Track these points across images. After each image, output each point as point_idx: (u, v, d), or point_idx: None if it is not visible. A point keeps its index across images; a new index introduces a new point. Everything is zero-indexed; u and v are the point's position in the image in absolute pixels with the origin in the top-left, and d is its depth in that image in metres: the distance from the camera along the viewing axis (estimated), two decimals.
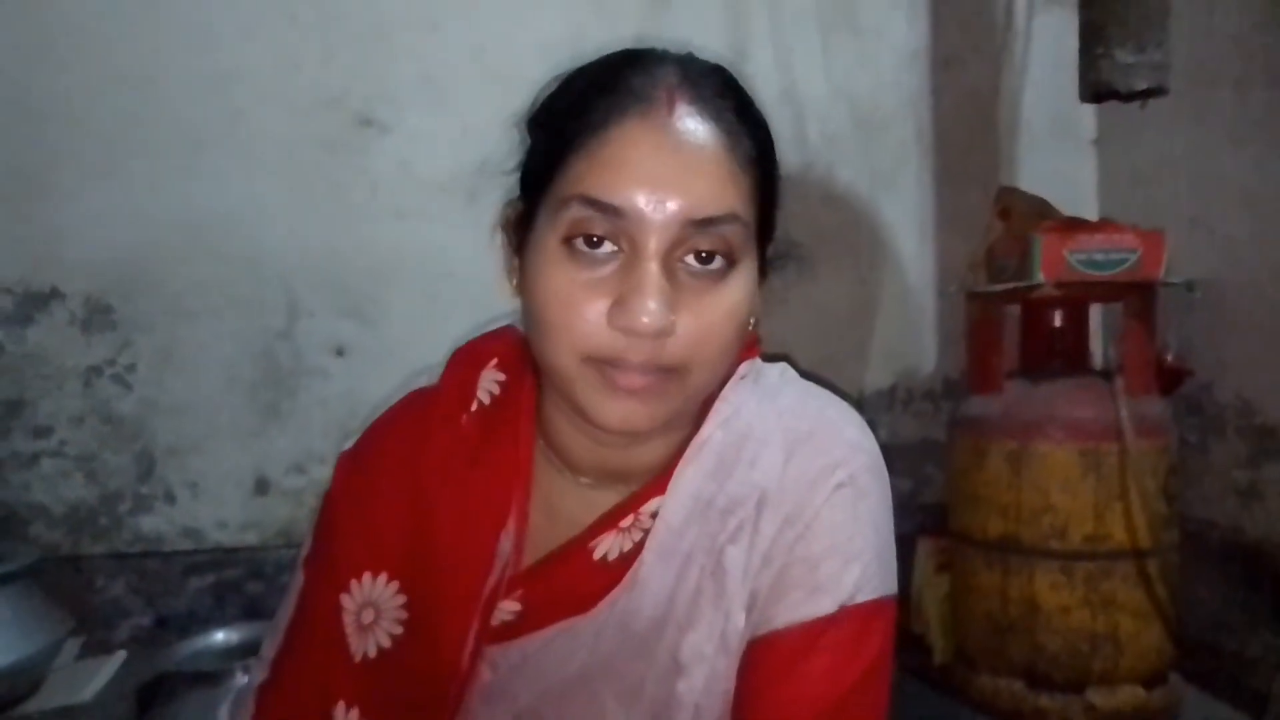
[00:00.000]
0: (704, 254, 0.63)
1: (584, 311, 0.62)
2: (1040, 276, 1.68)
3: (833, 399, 0.76)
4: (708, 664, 0.69)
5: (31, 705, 1.52)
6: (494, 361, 0.77)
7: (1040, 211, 1.81)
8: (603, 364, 0.63)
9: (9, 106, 1.77)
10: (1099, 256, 1.68)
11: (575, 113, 0.65)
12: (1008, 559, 1.72)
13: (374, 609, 0.73)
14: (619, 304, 0.61)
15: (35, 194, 1.79)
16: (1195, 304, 1.76)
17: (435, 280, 1.88)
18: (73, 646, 1.65)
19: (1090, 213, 2.06)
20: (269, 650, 0.77)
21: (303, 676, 0.74)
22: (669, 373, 0.63)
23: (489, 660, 0.73)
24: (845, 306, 2.11)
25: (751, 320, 0.69)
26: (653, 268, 0.61)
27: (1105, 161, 2.17)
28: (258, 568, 1.84)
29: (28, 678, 1.51)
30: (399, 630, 0.73)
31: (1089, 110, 2.11)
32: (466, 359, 0.79)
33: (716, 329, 0.64)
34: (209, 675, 1.50)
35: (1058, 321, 1.82)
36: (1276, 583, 1.69)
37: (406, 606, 0.73)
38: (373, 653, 0.73)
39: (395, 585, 0.74)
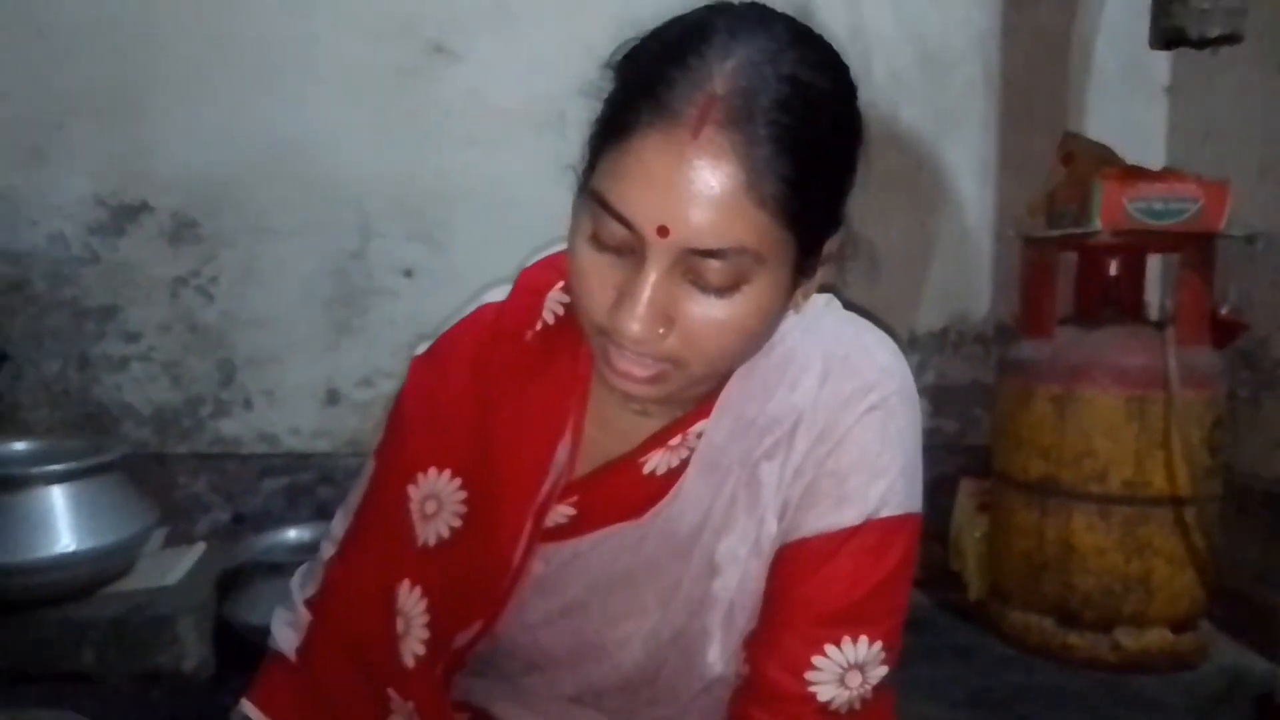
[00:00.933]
0: (707, 279, 0.63)
1: (595, 293, 0.65)
2: (1098, 223, 1.68)
3: (870, 327, 0.79)
4: (741, 565, 0.75)
5: (125, 584, 1.66)
6: (560, 284, 0.81)
7: (1104, 158, 1.80)
8: (609, 343, 0.66)
9: (101, 27, 1.86)
10: (1159, 205, 1.68)
11: (617, 101, 0.64)
12: (1046, 499, 1.76)
13: (436, 500, 0.79)
14: (616, 303, 0.63)
15: (126, 112, 1.89)
16: (1258, 258, 1.74)
17: (501, 207, 1.94)
18: (159, 536, 1.79)
19: (1157, 162, 2.03)
20: (338, 529, 0.83)
21: (370, 555, 0.80)
22: (669, 364, 0.65)
23: (543, 556, 0.79)
24: (902, 247, 2.12)
25: (799, 301, 0.71)
26: (649, 280, 0.62)
27: (1177, 110, 2.12)
28: (328, 473, 1.96)
29: (121, 560, 1.65)
30: (458, 523, 0.79)
31: (1163, 57, 2.05)
32: (536, 279, 0.82)
33: (715, 339, 0.65)
34: (281, 566, 1.63)
35: (1114, 270, 1.82)
36: None
37: (466, 502, 0.79)
38: (433, 541, 0.78)
39: (458, 481, 0.79)
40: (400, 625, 0.79)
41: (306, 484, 1.96)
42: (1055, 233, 1.78)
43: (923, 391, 0.80)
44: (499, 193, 1.96)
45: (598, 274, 0.65)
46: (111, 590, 1.64)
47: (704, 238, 0.61)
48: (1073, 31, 2.11)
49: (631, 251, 0.63)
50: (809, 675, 0.72)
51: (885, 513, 0.73)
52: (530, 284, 0.82)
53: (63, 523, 1.56)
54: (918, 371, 2.15)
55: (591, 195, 0.64)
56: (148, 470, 1.84)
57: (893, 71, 2.08)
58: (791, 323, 0.76)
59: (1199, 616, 1.74)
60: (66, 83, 1.87)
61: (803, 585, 0.73)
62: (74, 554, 1.55)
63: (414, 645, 0.79)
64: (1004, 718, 1.60)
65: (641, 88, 0.63)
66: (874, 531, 0.73)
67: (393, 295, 2.00)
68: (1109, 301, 1.82)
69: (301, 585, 0.85)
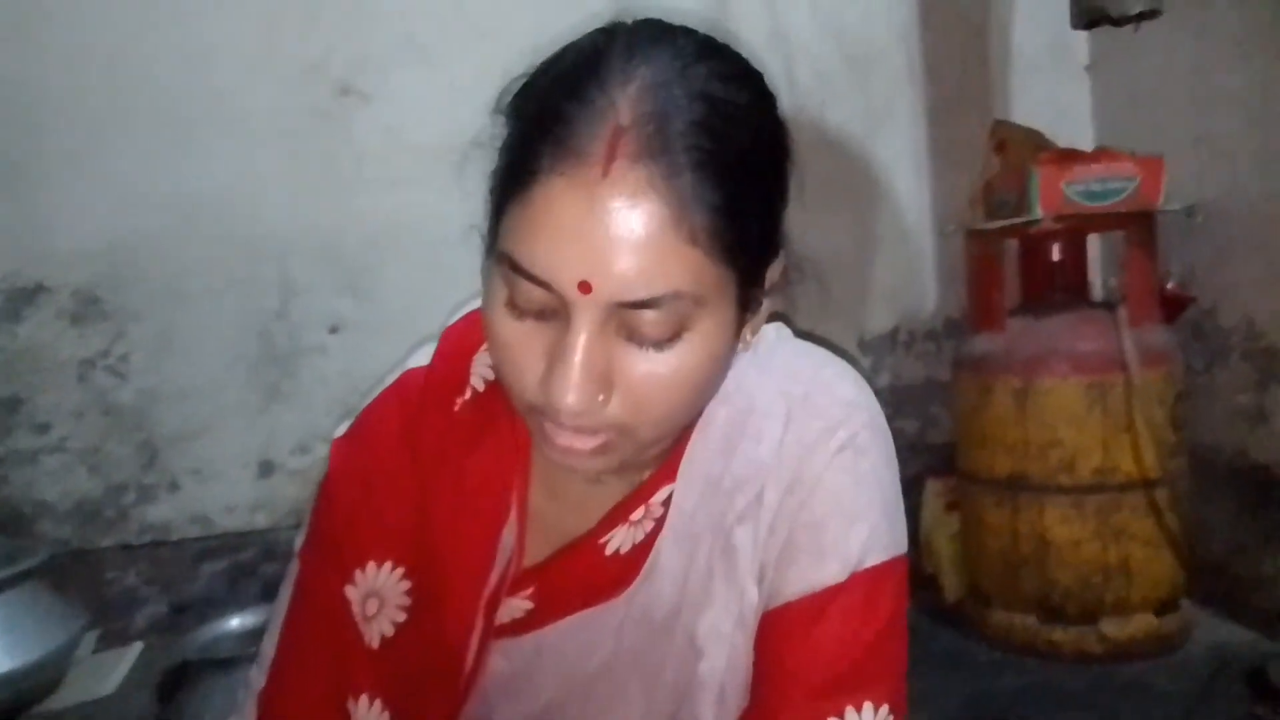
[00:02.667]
0: (643, 333, 0.56)
1: (521, 367, 0.58)
2: (1039, 211, 1.66)
3: (828, 357, 0.73)
4: (727, 642, 0.68)
5: (55, 702, 1.53)
6: (486, 346, 0.72)
7: (1036, 143, 1.78)
8: (542, 416, 0.59)
9: None
10: (1097, 187, 1.66)
11: (514, 149, 0.58)
12: (1017, 496, 1.73)
13: (378, 599, 0.71)
14: (547, 373, 0.57)
15: (15, 186, 1.76)
16: (1196, 229, 1.73)
17: (432, 249, 1.84)
18: (90, 641, 1.66)
19: (1086, 141, 2.02)
20: (268, 651, 0.74)
21: (312, 673, 0.72)
22: (614, 433, 0.59)
23: (503, 652, 0.71)
24: (844, 250, 2.08)
25: (747, 338, 0.65)
26: (579, 344, 0.55)
27: (1100, 87, 2.12)
28: (270, 549, 1.84)
29: (49, 675, 1.52)
30: (402, 617, 0.71)
31: (1082, 36, 2.05)
32: (459, 342, 0.74)
33: (661, 398, 0.58)
34: (228, 662, 1.51)
35: (1056, 255, 1.80)
36: None
37: (410, 593, 0.71)
38: (377, 642, 0.71)
39: (400, 571, 0.71)
40: None
41: (248, 564, 1.84)
42: (997, 224, 1.75)
43: (879, 393, 0.74)
44: (426, 233, 1.86)
45: (521, 345, 0.58)
46: (42, 709, 1.51)
47: (633, 288, 0.54)
48: (991, 17, 2.09)
49: (555, 314, 0.56)
50: None
51: (870, 561, 0.66)
52: (453, 348, 0.74)
53: None
54: (872, 373, 2.11)
55: (500, 259, 0.57)
56: (72, 570, 1.71)
57: (817, 72, 2.04)
58: (745, 362, 0.69)
59: (1179, 597, 1.73)
60: None
61: (792, 655, 0.66)
62: None
63: None
64: None
65: (538, 129, 0.56)
66: (860, 585, 0.66)
67: (321, 353, 1.89)
68: (1055, 288, 1.80)
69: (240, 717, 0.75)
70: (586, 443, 0.59)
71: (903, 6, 2.07)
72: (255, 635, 1.60)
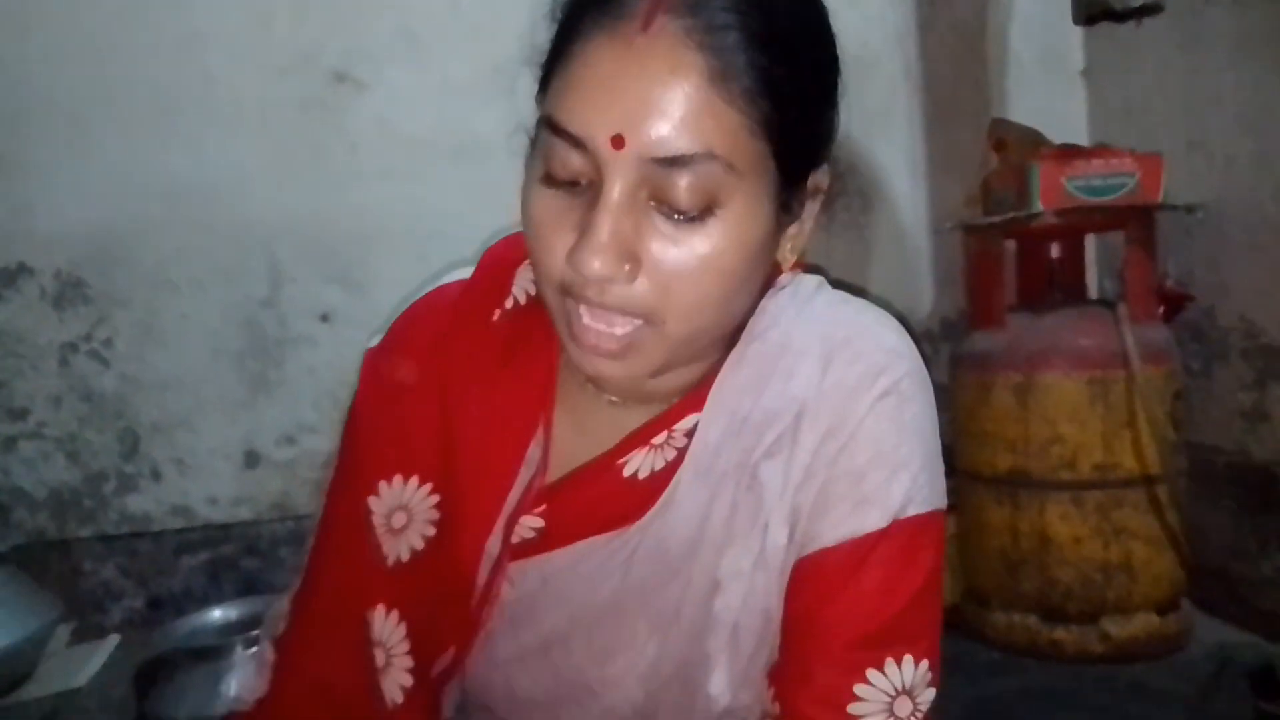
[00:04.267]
0: (674, 198, 0.55)
1: (552, 243, 0.58)
2: (1039, 205, 1.66)
3: (869, 305, 0.71)
4: (745, 580, 0.66)
5: (25, 693, 1.46)
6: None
7: (1035, 141, 1.78)
8: (573, 302, 0.58)
9: None
10: (1097, 182, 1.66)
11: (564, 15, 0.59)
12: (1017, 493, 1.71)
13: (405, 512, 0.69)
14: (576, 243, 0.56)
15: (1, 167, 1.71)
16: (1195, 228, 1.74)
17: (423, 240, 1.82)
18: (64, 633, 1.60)
19: (1082, 144, 2.03)
20: (304, 559, 0.74)
21: (335, 582, 0.71)
22: (641, 323, 0.58)
23: (508, 577, 0.69)
24: (840, 251, 2.07)
25: (788, 254, 0.65)
26: (610, 205, 0.55)
27: (1095, 91, 2.13)
28: (252, 543, 1.78)
29: (18, 665, 1.46)
30: (431, 532, 0.69)
31: (1077, 41, 2.08)
32: (504, 253, 0.73)
33: (690, 280, 0.57)
34: (208, 651, 1.46)
35: (1055, 253, 1.80)
36: None
37: (439, 507, 0.70)
38: (405, 556, 0.69)
39: (428, 487, 0.69)
40: (380, 658, 0.68)
41: (229, 557, 1.78)
42: (998, 219, 1.75)
43: None
44: (418, 225, 1.84)
45: (553, 217, 0.57)
46: (11, 700, 1.44)
47: (666, 143, 0.53)
48: (987, 22, 2.11)
49: (590, 185, 0.56)
50: (853, 708, 0.63)
51: (911, 511, 0.64)
52: (497, 259, 0.73)
53: None
54: None
55: (542, 123, 0.57)
56: (47, 560, 1.66)
57: None
58: (782, 304, 0.68)
59: (1180, 597, 1.71)
60: None
61: (830, 605, 0.64)
62: None
63: (399, 677, 0.69)
64: None
65: None
66: (902, 534, 0.64)
67: (311, 343, 1.85)
68: (1054, 285, 1.80)
69: (271, 625, 0.73)
70: (614, 329, 0.57)
71: (899, 11, 2.08)
72: (238, 627, 1.56)
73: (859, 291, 0.74)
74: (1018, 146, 1.78)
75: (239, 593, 1.73)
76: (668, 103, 0.53)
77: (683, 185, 0.55)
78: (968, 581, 1.84)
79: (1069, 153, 1.71)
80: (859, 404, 0.65)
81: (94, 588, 1.73)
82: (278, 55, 1.82)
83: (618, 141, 0.53)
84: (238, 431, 1.81)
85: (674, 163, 0.54)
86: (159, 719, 1.44)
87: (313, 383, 1.83)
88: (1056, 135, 1.83)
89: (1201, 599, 1.77)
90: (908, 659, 0.64)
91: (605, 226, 0.54)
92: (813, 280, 0.72)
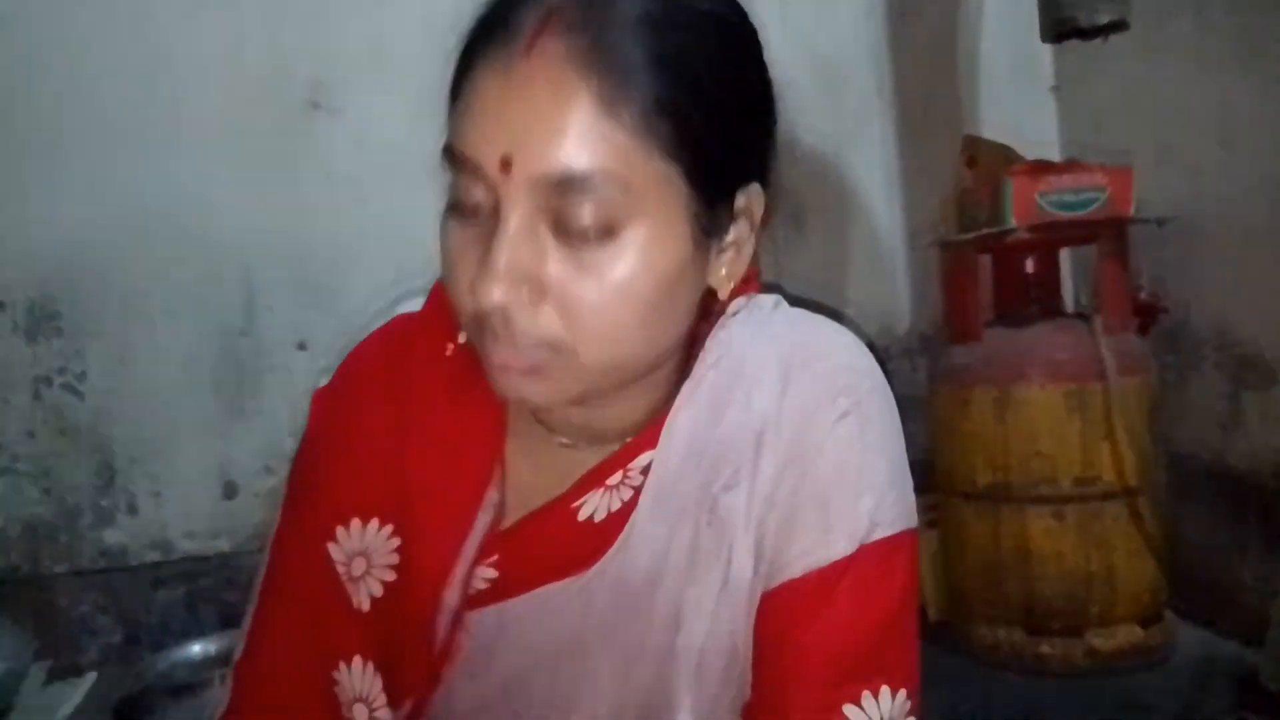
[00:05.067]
0: (572, 221, 0.54)
1: (459, 275, 0.57)
2: (1013, 221, 1.67)
3: (827, 323, 0.70)
4: (708, 615, 0.65)
5: None
6: None
7: (1006, 157, 1.79)
8: (482, 331, 0.57)
9: None
10: (1069, 197, 1.67)
11: (462, 45, 0.58)
12: (998, 507, 1.71)
13: (365, 558, 0.67)
14: (476, 272, 0.55)
15: None
16: (1167, 238, 1.75)
17: (401, 264, 1.80)
18: (39, 671, 1.57)
19: (1053, 156, 2.04)
20: (247, 620, 0.70)
21: (293, 639, 0.67)
22: (550, 350, 0.56)
23: (465, 627, 0.67)
24: (815, 267, 2.07)
25: (724, 280, 0.62)
26: (505, 236, 0.53)
27: (1065, 104, 2.16)
28: (232, 575, 1.75)
29: None
30: (391, 577, 0.67)
31: (1047, 55, 2.10)
32: None
33: (597, 307, 0.55)
34: (187, 687, 1.44)
35: (1030, 266, 1.81)
36: (1263, 510, 1.70)
37: (399, 550, 0.67)
38: (366, 605, 0.67)
39: (389, 529, 0.67)
40: (362, 714, 0.66)
41: (208, 590, 1.76)
42: (972, 235, 1.76)
43: None
44: (395, 247, 1.82)
45: (460, 250, 0.57)
46: None
47: (553, 164, 0.52)
48: (959, 37, 2.12)
49: (491, 213, 0.55)
50: None
51: (878, 534, 0.63)
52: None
53: None
54: None
55: (442, 154, 0.57)
56: (20, 597, 1.63)
57: (787, 91, 2.04)
58: (737, 325, 0.67)
59: (1163, 607, 1.71)
60: None
61: (800, 637, 0.63)
62: None
63: None
64: None
65: (479, 24, 0.57)
66: (870, 558, 0.63)
67: (286, 371, 1.83)
68: (1030, 299, 1.81)
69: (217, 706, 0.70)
70: (521, 358, 0.56)
71: (871, 27, 2.10)
72: (216, 661, 1.54)
73: (817, 306, 0.73)
74: (990, 162, 1.79)
75: (218, 626, 1.70)
76: (553, 124, 0.52)
77: (579, 207, 0.53)
78: (951, 595, 1.84)
79: (1041, 168, 1.72)
80: (819, 427, 0.63)
81: (70, 624, 1.70)
82: (249, 77, 1.81)
83: (505, 164, 0.53)
84: (215, 462, 1.79)
85: (565, 185, 0.53)
86: None
87: (290, 411, 1.79)
88: (1029, 148, 1.84)
89: (1184, 608, 1.78)
90: (884, 691, 0.62)
91: (502, 254, 0.53)
92: (769, 299, 0.70)
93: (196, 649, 1.60)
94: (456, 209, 0.57)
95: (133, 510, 1.75)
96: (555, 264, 0.54)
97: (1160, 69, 1.84)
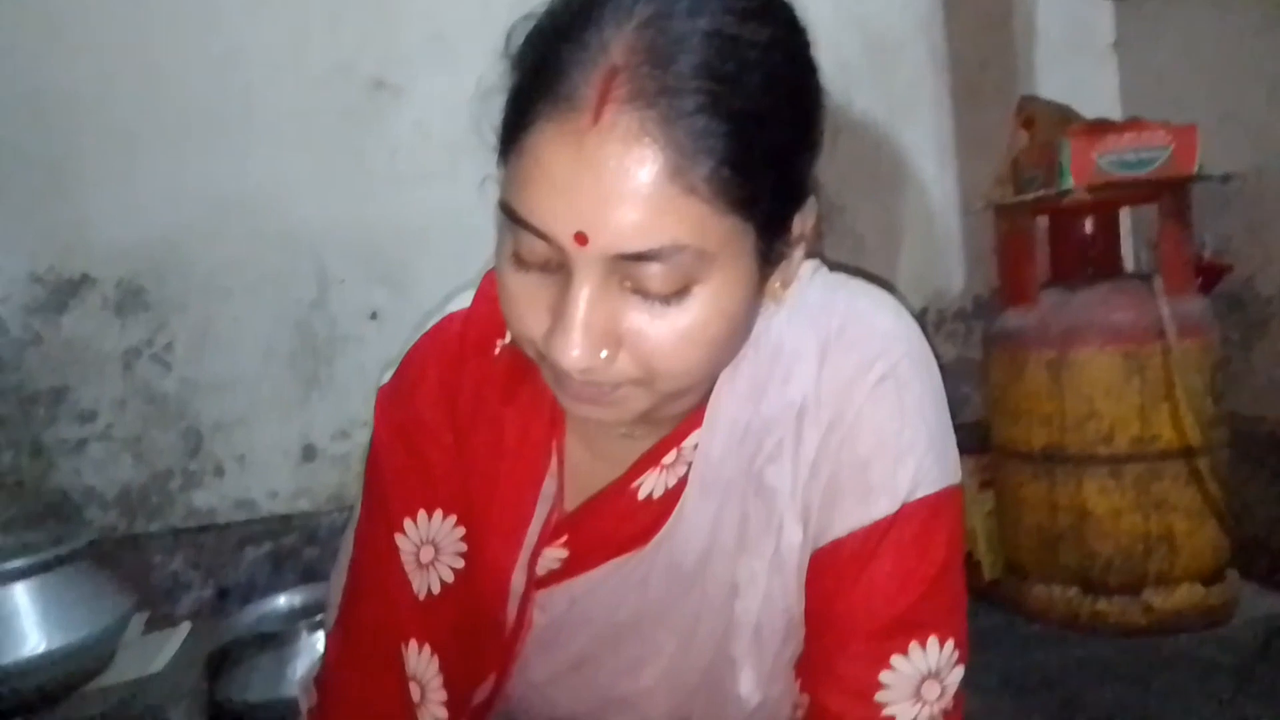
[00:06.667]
0: (647, 286, 0.54)
1: (528, 321, 0.57)
2: (1070, 182, 1.66)
3: (864, 287, 0.70)
4: (762, 583, 0.68)
5: (105, 679, 1.54)
6: None
7: (1065, 117, 1.78)
8: (554, 372, 0.57)
9: (23, 100, 1.77)
10: (1130, 156, 1.66)
11: (514, 97, 0.55)
12: (1054, 469, 1.72)
13: (433, 546, 0.71)
14: (550, 329, 0.55)
15: (58, 184, 1.79)
16: (1232, 198, 1.73)
17: (463, 239, 1.85)
18: (137, 623, 1.67)
19: (1114, 119, 2.02)
20: (335, 596, 0.76)
21: (368, 618, 0.73)
22: (625, 386, 0.57)
23: (538, 604, 0.72)
24: (870, 234, 2.08)
25: (779, 290, 0.63)
26: (580, 298, 0.53)
27: (1126, 65, 2.12)
28: (311, 533, 1.86)
29: (99, 654, 1.53)
30: (460, 564, 0.71)
31: (1106, 14, 2.07)
32: None
33: (673, 354, 0.55)
34: (275, 636, 1.53)
35: (1089, 228, 1.80)
36: None
37: (466, 539, 0.71)
38: (436, 589, 0.71)
39: (453, 519, 0.71)
40: (415, 692, 0.71)
41: (290, 547, 1.86)
42: (1028, 197, 1.75)
43: None
44: (458, 225, 1.88)
45: (527, 298, 0.56)
46: (92, 687, 1.52)
47: (629, 240, 0.51)
48: (1014, 1, 2.10)
49: (559, 266, 0.54)
50: (879, 696, 0.64)
51: (920, 493, 0.64)
52: (494, 289, 0.73)
53: (29, 622, 1.45)
54: None
55: (501, 208, 0.56)
56: (119, 554, 1.73)
57: (839, 61, 2.04)
58: (774, 307, 0.67)
59: (1225, 568, 1.71)
60: None
61: (847, 595, 0.65)
62: (46, 654, 1.43)
63: (434, 710, 0.71)
64: (1048, 699, 1.54)
65: (534, 75, 0.54)
66: (913, 517, 0.64)
67: (359, 341, 1.91)
68: (1088, 260, 1.80)
69: (316, 667, 0.77)
70: (601, 396, 0.58)
71: None
72: (301, 613, 1.63)
73: (856, 271, 0.73)
74: (1047, 123, 1.78)
75: (301, 580, 1.80)
76: (625, 200, 0.50)
77: (654, 274, 0.53)
78: (1007, 556, 1.86)
79: (1100, 127, 1.71)
80: (856, 394, 0.64)
81: (164, 580, 1.81)
82: (315, 66, 1.88)
83: (580, 239, 0.51)
84: (294, 428, 1.88)
85: (640, 257, 0.52)
86: (230, 701, 1.52)
87: (363, 379, 1.89)
88: (1088, 110, 1.82)
89: (1248, 569, 1.77)
90: (932, 640, 0.64)
91: (578, 320, 0.53)
92: (807, 267, 0.69)
93: (281, 602, 1.69)
94: (520, 261, 0.56)
95: (219, 474, 1.86)
96: (631, 319, 0.54)
97: (1224, 26, 1.81)
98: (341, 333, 1.90)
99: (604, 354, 0.54)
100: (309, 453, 1.89)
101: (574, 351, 0.53)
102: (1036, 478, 1.74)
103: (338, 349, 1.90)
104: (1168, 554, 1.66)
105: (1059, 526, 1.72)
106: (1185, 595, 1.67)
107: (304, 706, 0.77)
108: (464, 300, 0.73)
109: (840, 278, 0.70)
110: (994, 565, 1.89)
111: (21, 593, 1.46)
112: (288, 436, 1.88)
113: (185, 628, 1.69)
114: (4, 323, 1.78)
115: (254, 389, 1.87)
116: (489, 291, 0.71)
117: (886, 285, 0.73)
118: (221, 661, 1.59)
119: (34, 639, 1.43)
